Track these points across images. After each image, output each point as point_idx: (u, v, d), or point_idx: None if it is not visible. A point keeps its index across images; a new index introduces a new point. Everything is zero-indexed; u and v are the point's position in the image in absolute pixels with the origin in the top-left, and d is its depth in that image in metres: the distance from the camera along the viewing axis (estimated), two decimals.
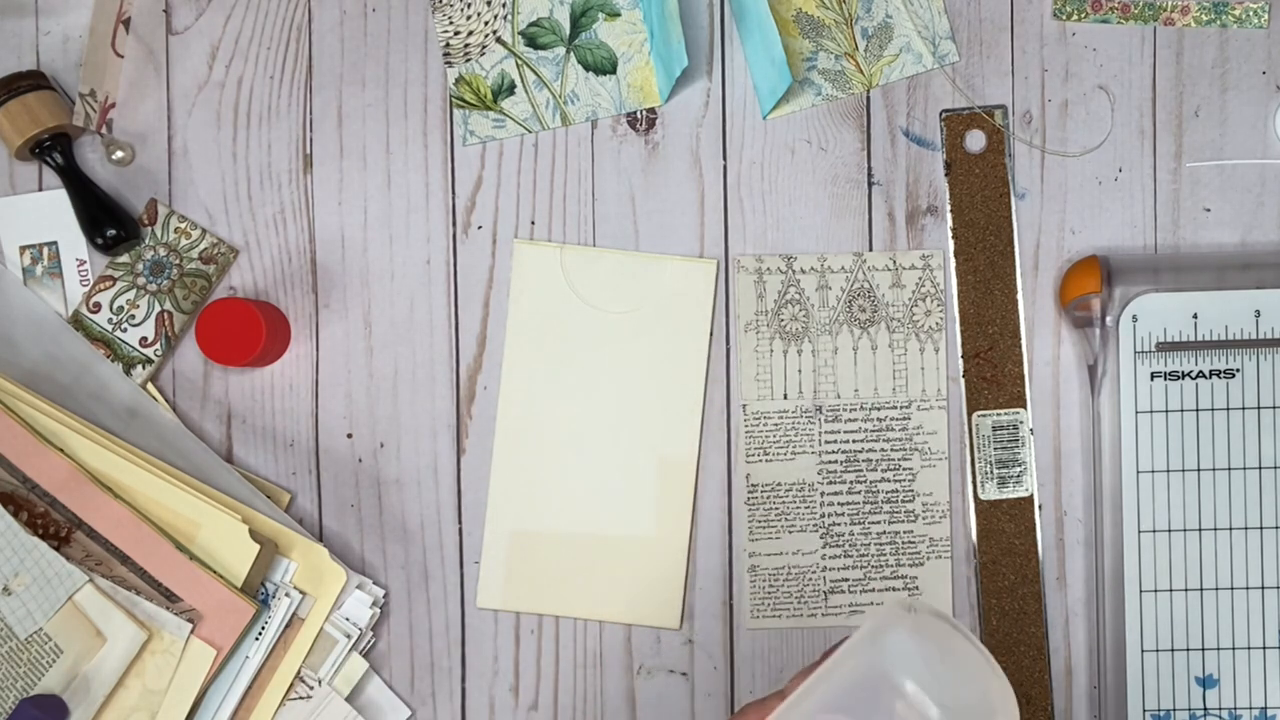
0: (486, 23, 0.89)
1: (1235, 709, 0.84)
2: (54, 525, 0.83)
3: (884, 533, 0.87)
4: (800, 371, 0.88)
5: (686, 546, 0.87)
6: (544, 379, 0.88)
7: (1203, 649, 0.85)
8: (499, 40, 0.89)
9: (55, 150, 0.87)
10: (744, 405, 0.88)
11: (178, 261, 0.88)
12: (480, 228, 0.89)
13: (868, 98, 0.88)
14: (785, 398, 0.88)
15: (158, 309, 0.88)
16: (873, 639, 0.62)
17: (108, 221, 0.87)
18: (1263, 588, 0.85)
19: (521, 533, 0.87)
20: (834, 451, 0.87)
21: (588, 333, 0.88)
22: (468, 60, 0.89)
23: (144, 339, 0.88)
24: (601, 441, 0.87)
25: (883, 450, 0.87)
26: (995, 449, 0.87)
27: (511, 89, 0.89)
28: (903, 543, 0.87)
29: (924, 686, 0.60)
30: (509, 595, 0.87)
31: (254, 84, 0.89)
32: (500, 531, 0.87)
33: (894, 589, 0.87)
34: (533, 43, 0.89)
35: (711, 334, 0.88)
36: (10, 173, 0.90)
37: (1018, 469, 0.87)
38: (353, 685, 0.86)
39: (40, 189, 0.90)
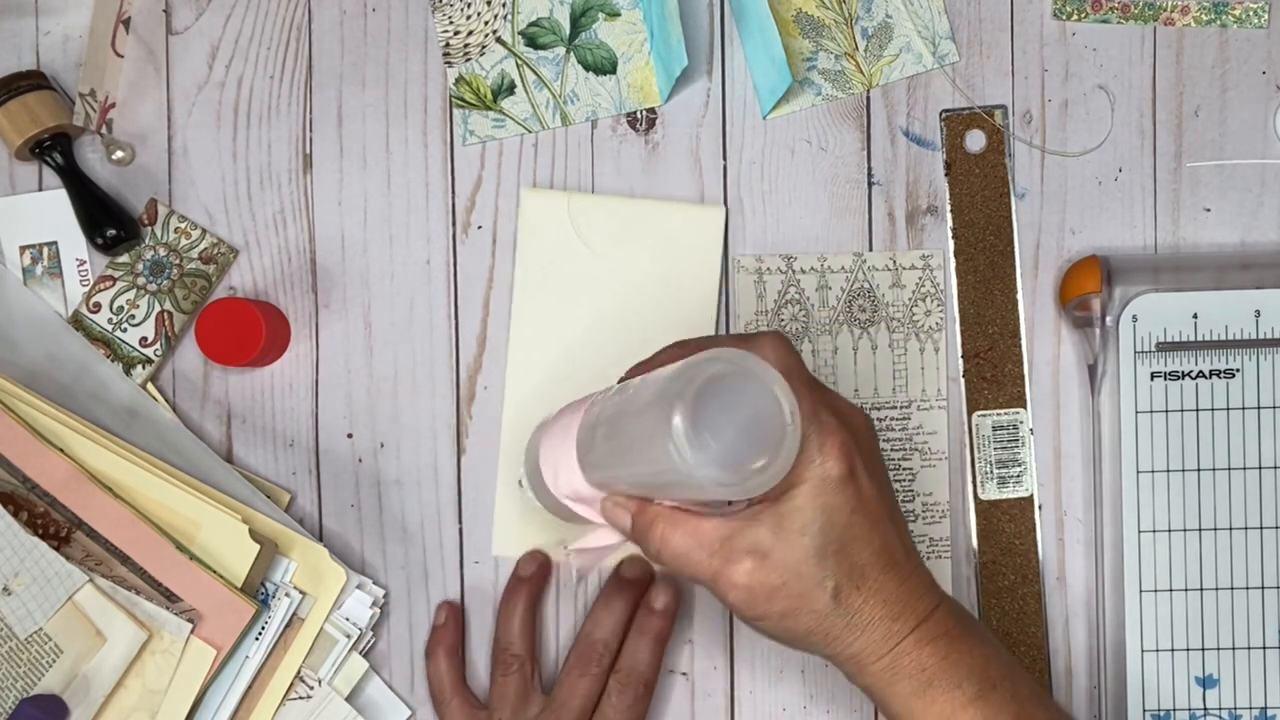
0: (486, 23, 0.89)
1: (1235, 709, 0.85)
2: (54, 525, 0.83)
3: None
4: None
5: None
6: (553, 325, 0.87)
7: (1203, 649, 0.85)
8: (499, 40, 0.89)
9: (55, 150, 0.87)
10: None
11: (178, 261, 0.88)
12: (480, 228, 0.89)
13: (868, 98, 0.88)
14: None
15: (158, 309, 0.88)
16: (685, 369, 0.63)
17: (108, 221, 0.87)
18: (1263, 588, 0.85)
19: None
20: None
21: (596, 279, 0.87)
22: (468, 60, 0.89)
23: (144, 339, 0.88)
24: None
25: (883, 450, 0.87)
26: (995, 449, 0.87)
27: (511, 89, 0.89)
28: None
29: (690, 429, 0.62)
30: (525, 541, 0.87)
31: (254, 84, 0.89)
32: (513, 481, 0.87)
33: None
34: (533, 43, 0.89)
35: (723, 279, 0.87)
36: (10, 173, 0.90)
37: (1018, 469, 0.87)
38: (353, 685, 0.86)
39: (40, 189, 0.90)
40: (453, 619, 0.87)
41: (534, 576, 0.86)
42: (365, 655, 0.87)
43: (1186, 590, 0.85)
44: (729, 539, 0.67)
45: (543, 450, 0.74)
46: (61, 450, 0.84)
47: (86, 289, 0.88)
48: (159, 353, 0.88)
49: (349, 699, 0.86)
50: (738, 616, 0.69)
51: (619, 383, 0.71)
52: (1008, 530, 0.87)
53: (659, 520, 0.68)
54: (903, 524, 0.70)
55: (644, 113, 0.89)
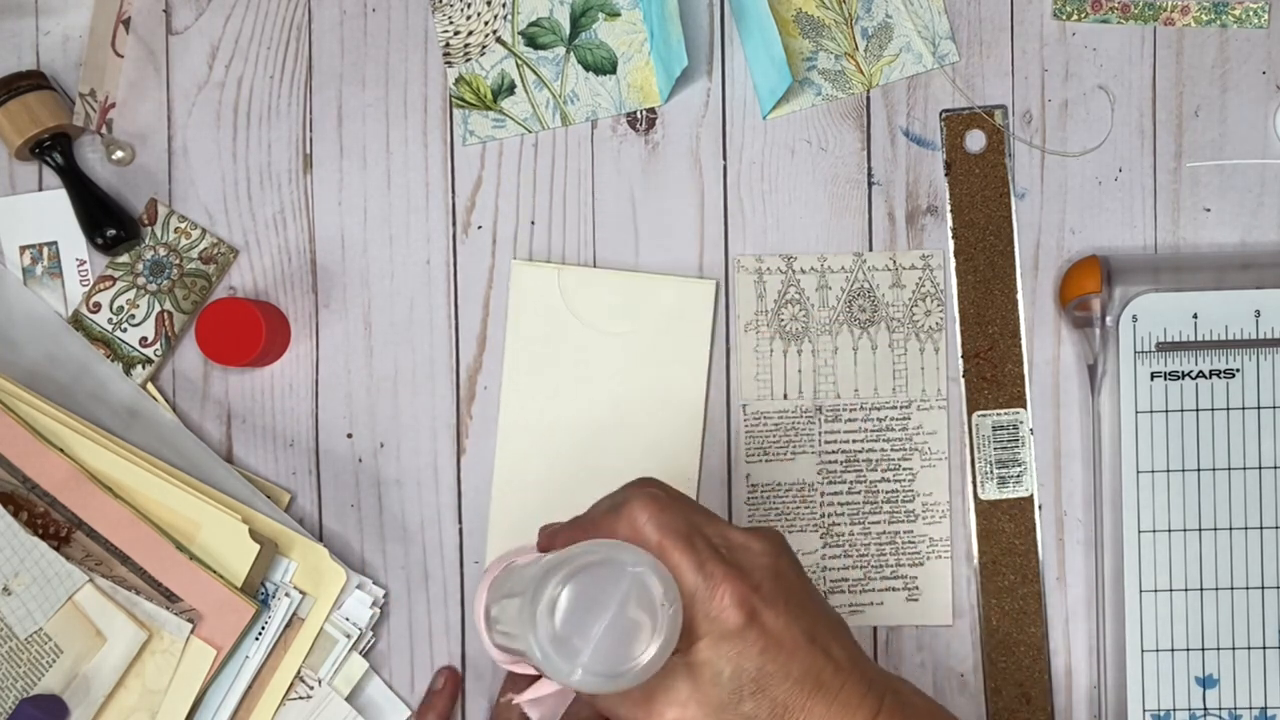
0: (486, 23, 0.89)
1: (1235, 709, 0.85)
2: (54, 525, 0.83)
3: (884, 533, 0.87)
4: (800, 371, 0.88)
5: None
6: (544, 398, 0.87)
7: (1203, 649, 0.85)
8: (499, 40, 0.89)
9: (55, 150, 0.87)
10: (744, 405, 0.88)
11: (178, 261, 0.88)
12: (480, 228, 0.89)
13: (868, 98, 0.88)
14: (785, 398, 0.88)
15: (158, 309, 0.88)
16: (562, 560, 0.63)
17: (108, 221, 0.87)
18: (1263, 588, 0.85)
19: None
20: (834, 451, 0.87)
21: (587, 353, 0.87)
22: (468, 60, 0.89)
23: (144, 339, 0.88)
24: (603, 458, 0.87)
25: (883, 450, 0.87)
26: (995, 449, 0.87)
27: (511, 89, 0.89)
28: (903, 543, 0.87)
29: (556, 642, 0.62)
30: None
31: (254, 84, 0.89)
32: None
33: (894, 589, 0.87)
34: (533, 43, 0.89)
35: (712, 350, 0.87)
36: (10, 173, 0.90)
37: (1018, 469, 0.87)
38: (353, 685, 0.86)
39: (40, 189, 0.90)
40: (450, 685, 0.87)
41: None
42: (365, 655, 0.87)
43: (1186, 590, 0.85)
44: (650, 693, 0.67)
45: (477, 602, 0.75)
46: (61, 450, 0.84)
47: (86, 289, 0.88)
48: (159, 353, 0.88)
49: (349, 699, 0.86)
50: None
51: (540, 529, 0.72)
52: (1008, 530, 0.87)
53: None
54: (830, 635, 0.68)
55: (644, 113, 0.89)
